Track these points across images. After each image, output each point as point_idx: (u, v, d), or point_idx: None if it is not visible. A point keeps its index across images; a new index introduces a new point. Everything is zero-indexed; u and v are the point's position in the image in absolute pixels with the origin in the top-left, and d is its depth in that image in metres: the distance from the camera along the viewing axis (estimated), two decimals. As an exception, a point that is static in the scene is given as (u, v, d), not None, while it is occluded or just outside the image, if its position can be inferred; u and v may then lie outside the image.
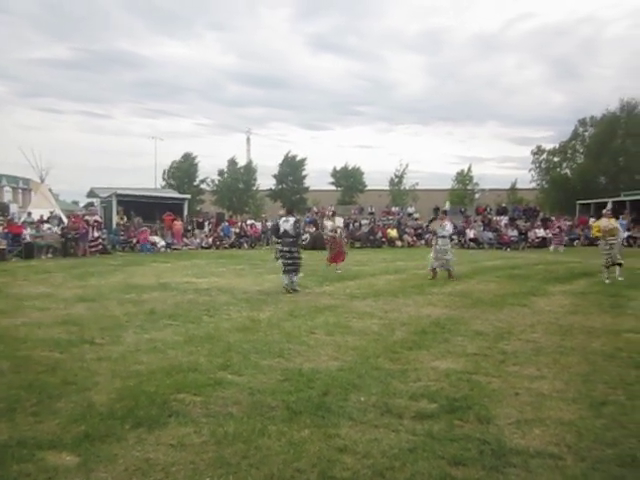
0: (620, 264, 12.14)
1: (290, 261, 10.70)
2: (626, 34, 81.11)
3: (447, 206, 17.86)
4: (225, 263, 17.03)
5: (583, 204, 36.09)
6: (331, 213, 20.39)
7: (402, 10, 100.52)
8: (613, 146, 42.46)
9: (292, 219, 11.14)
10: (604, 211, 13.15)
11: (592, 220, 13.53)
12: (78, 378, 4.73)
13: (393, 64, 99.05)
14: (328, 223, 16.59)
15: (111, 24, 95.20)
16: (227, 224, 28.42)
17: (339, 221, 16.44)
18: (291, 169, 50.92)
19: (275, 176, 51.13)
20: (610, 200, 14.85)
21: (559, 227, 26.60)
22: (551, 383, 4.70)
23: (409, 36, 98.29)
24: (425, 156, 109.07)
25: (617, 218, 14.90)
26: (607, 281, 11.77)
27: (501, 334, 6.67)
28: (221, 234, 26.94)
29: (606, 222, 12.40)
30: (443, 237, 12.86)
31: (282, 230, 10.89)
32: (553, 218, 30.90)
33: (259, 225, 29.37)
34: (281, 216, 16.43)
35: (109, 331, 6.66)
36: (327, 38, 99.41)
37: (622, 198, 32.71)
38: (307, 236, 22.41)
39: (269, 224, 29.98)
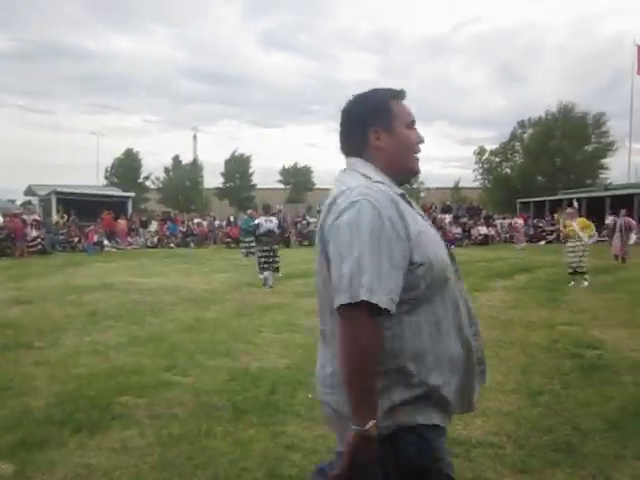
0: (581, 272, 10.82)
1: (272, 259, 11.01)
2: (566, 42, 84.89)
3: None
4: (171, 262, 16.72)
5: (523, 202, 37.45)
6: None
7: (353, 10, 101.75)
8: (551, 147, 44.23)
9: (275, 219, 11.56)
10: (567, 210, 11.83)
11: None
12: (14, 383, 4.53)
13: (345, 63, 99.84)
14: None
15: (54, 15, 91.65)
16: (173, 223, 27.90)
17: None
18: (238, 166, 50.45)
19: (223, 174, 50.56)
20: (574, 198, 14.12)
21: (516, 225, 26.95)
22: (491, 376, 4.79)
23: (361, 36, 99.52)
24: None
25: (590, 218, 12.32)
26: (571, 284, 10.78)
27: (445, 329, 6.82)
28: (167, 233, 26.43)
29: (565, 222, 11.43)
30: None
31: (265, 229, 11.06)
32: (501, 216, 31.88)
33: (206, 224, 28.99)
34: (251, 215, 16.40)
35: (48, 334, 6.41)
36: (278, 36, 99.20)
37: (559, 197, 34.18)
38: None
39: (217, 222, 29.72)
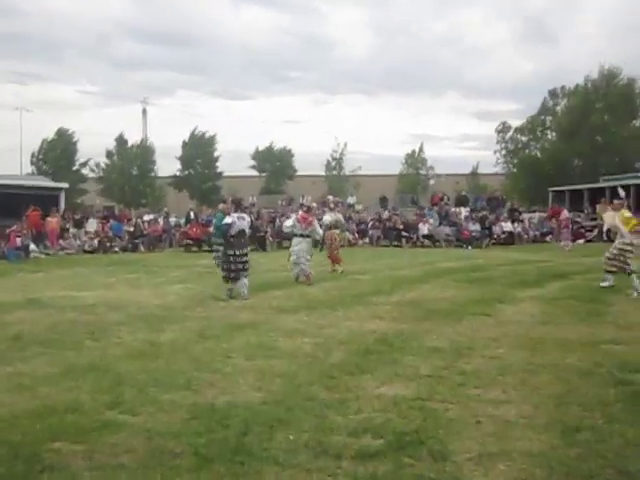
0: (629, 273, 11.21)
1: (244, 264, 11.22)
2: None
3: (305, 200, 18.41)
4: (115, 271, 16.63)
5: (556, 192, 37.71)
6: (333, 205, 20.37)
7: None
8: (590, 122, 44.46)
9: (247, 216, 11.92)
10: (614, 201, 12.33)
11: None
12: None
13: (331, 17, 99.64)
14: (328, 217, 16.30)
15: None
16: (118, 221, 27.75)
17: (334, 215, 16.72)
18: (199, 149, 50.35)
19: (180, 158, 50.47)
20: (619, 185, 14.45)
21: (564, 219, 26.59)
22: (518, 408, 4.90)
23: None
24: (369, 134, 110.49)
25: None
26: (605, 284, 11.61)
27: (460, 351, 6.87)
28: (110, 234, 26.29)
29: (610, 215, 12.09)
30: (297, 236, 13.70)
31: (238, 229, 11.25)
32: (529, 209, 32.04)
33: (160, 221, 28.90)
34: (224, 210, 16.31)
35: (-42, 364, 6.37)
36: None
37: (601, 184, 34.25)
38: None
39: (173, 220, 29.65)
